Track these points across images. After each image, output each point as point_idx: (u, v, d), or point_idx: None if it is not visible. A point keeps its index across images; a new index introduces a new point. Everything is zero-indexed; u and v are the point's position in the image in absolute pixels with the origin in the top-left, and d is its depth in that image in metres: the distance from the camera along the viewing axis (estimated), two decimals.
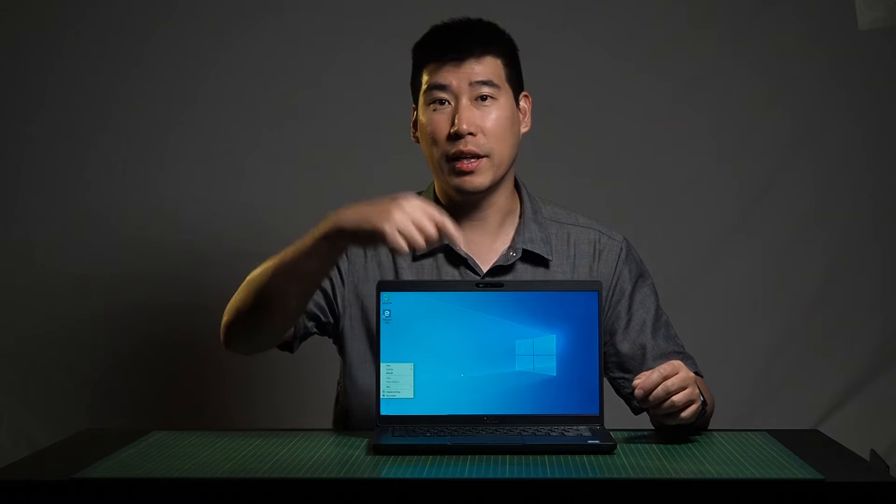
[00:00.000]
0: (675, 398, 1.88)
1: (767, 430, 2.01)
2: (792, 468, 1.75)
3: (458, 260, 2.16)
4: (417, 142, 2.19)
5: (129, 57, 3.28)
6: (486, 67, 2.12)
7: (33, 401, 3.27)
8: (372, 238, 1.88)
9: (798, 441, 1.93)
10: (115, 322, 3.27)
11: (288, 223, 3.23)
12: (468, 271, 2.15)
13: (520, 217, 2.20)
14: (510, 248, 2.17)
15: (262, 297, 2.00)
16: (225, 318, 2.07)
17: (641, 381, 1.87)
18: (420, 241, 1.86)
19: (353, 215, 1.90)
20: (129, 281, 3.27)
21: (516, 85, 2.17)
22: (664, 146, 3.36)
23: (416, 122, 2.19)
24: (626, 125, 3.35)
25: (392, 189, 2.31)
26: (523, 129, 2.19)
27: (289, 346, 2.15)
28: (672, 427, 1.96)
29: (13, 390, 3.27)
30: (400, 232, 1.86)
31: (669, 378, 1.87)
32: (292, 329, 2.12)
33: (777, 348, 3.37)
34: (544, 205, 2.23)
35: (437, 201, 2.19)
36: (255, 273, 2.04)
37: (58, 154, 3.28)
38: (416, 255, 2.15)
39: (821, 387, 3.36)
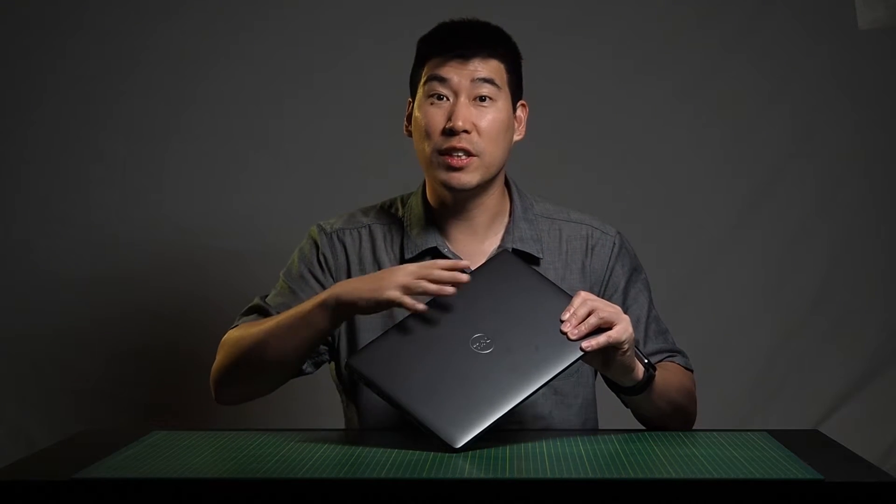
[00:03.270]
0: (603, 315, 1.90)
1: (767, 430, 2.01)
2: (792, 468, 1.75)
3: None
4: (410, 136, 2.18)
5: (129, 57, 3.28)
6: (490, 69, 2.12)
7: (33, 401, 3.27)
8: (378, 307, 1.94)
9: (798, 441, 1.93)
10: (115, 321, 3.27)
11: (288, 223, 3.24)
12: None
13: (509, 216, 2.19)
14: (499, 248, 2.16)
15: (258, 359, 2.05)
16: (215, 377, 2.12)
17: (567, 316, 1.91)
18: (431, 287, 1.90)
19: (351, 290, 1.96)
20: (129, 280, 3.27)
21: (515, 91, 2.17)
22: (665, 146, 3.36)
23: (410, 116, 2.18)
24: (626, 125, 3.35)
25: (390, 188, 2.31)
26: (517, 137, 2.18)
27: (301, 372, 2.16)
28: (645, 410, 2.04)
29: (13, 390, 3.27)
30: (409, 292, 1.91)
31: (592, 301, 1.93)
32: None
33: (777, 348, 3.37)
34: (536, 202, 2.23)
35: (426, 202, 2.19)
36: (240, 335, 2.08)
37: (58, 154, 3.28)
38: (404, 260, 2.15)
39: (821, 387, 3.36)
